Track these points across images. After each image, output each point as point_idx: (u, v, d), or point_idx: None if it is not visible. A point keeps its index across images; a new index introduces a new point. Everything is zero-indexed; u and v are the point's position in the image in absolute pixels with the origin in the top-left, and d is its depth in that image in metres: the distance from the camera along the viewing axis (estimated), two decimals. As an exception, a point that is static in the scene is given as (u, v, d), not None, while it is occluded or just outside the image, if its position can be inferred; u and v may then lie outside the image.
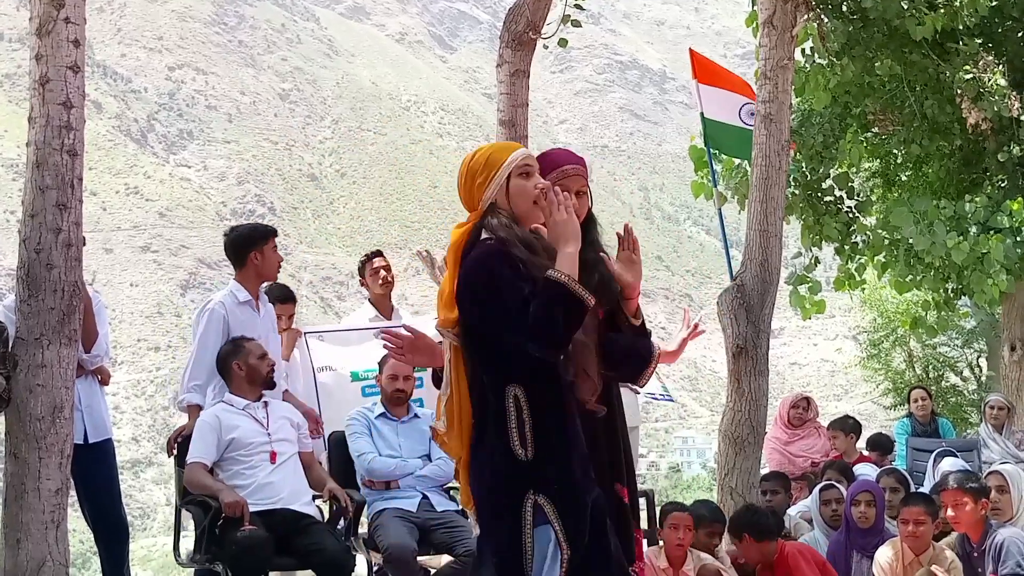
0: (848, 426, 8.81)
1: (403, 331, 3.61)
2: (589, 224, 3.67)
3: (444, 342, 3.41)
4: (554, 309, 3.16)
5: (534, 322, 3.16)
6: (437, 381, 3.53)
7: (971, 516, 5.16)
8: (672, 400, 9.46)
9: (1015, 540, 5.03)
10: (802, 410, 8.82)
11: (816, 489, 6.71)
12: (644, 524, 7.45)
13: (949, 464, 7.66)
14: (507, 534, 3.26)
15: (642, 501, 7.65)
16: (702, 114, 9.85)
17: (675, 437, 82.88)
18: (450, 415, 3.38)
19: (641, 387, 4.53)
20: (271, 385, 5.68)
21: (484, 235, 3.33)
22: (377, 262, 7.46)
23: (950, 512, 5.20)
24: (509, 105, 6.88)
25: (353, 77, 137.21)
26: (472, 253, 3.30)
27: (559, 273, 3.19)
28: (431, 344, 3.58)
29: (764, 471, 7.74)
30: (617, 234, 3.71)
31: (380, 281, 7.40)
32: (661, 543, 5.90)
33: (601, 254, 3.68)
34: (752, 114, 9.66)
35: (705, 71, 10.03)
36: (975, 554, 5.21)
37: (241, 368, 5.59)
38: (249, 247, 5.98)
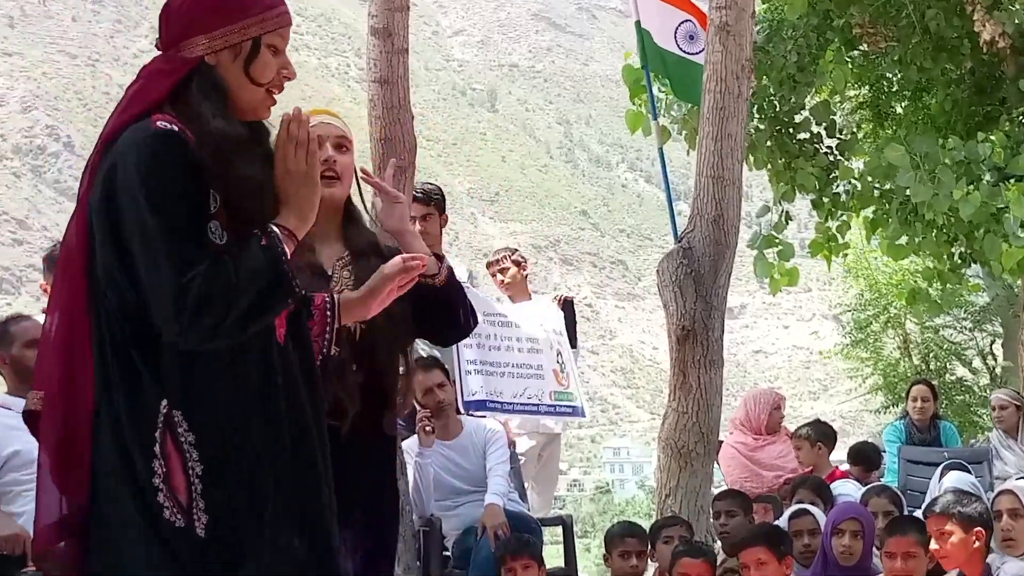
0: (817, 433, 8.52)
1: None
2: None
3: None
4: None
5: None
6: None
7: (959, 550, 5.21)
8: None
9: (1024, 579, 5.11)
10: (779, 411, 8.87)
11: (786, 515, 6.72)
12: (560, 560, 7.45)
13: (954, 480, 7.72)
14: None
15: (558, 531, 7.66)
16: (638, 23, 9.74)
17: (604, 448, 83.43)
18: None
19: None
20: None
21: None
22: None
23: (933, 544, 5.26)
24: (384, 8, 6.79)
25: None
26: None
27: None
28: None
29: (718, 490, 7.81)
30: None
31: None
32: None
33: None
34: (691, 37, 9.56)
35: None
36: (973, 598, 5.28)
37: (5, 361, 5.60)
38: None
